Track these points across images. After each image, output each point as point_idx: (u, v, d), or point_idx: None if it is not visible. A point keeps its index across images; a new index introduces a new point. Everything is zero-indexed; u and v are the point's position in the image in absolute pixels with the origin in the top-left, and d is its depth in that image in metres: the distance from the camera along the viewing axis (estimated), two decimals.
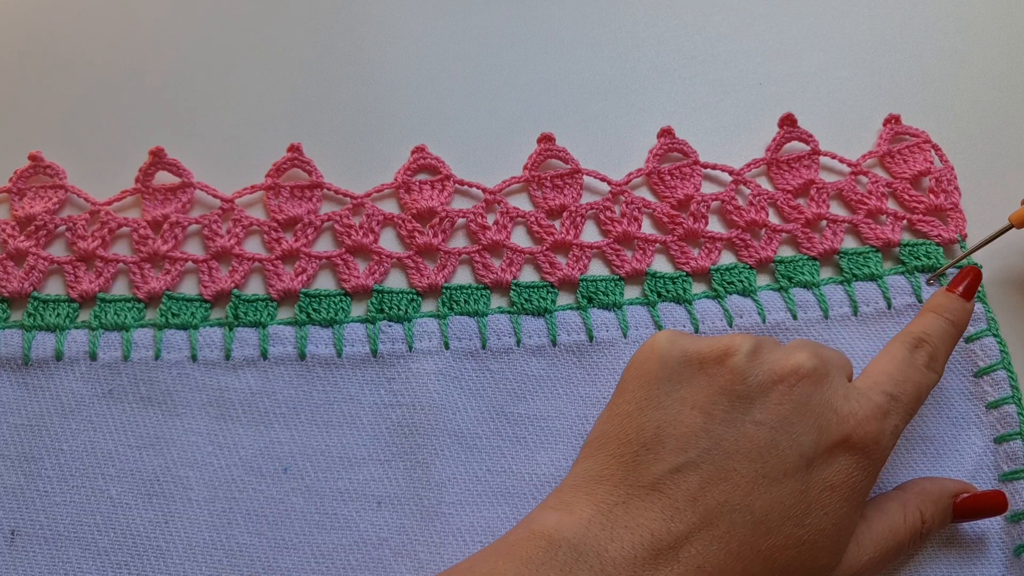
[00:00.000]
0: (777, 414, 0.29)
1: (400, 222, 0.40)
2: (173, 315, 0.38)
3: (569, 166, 0.42)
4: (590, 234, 0.41)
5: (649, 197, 0.41)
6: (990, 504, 0.33)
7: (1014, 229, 0.37)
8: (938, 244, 0.40)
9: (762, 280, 0.40)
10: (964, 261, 0.39)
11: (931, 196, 0.41)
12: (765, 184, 0.42)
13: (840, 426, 0.29)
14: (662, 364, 0.31)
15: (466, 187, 0.41)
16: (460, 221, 0.41)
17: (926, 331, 0.33)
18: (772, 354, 0.30)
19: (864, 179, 0.42)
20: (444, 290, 0.39)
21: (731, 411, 0.29)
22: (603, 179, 0.41)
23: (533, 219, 0.41)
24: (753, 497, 0.27)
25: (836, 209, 0.41)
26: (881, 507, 0.32)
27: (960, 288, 0.35)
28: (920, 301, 0.38)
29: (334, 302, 0.38)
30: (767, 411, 0.29)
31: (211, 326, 0.38)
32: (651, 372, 0.31)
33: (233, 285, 0.39)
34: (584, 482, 0.29)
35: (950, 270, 0.39)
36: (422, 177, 0.42)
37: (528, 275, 0.40)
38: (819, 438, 0.29)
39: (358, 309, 0.39)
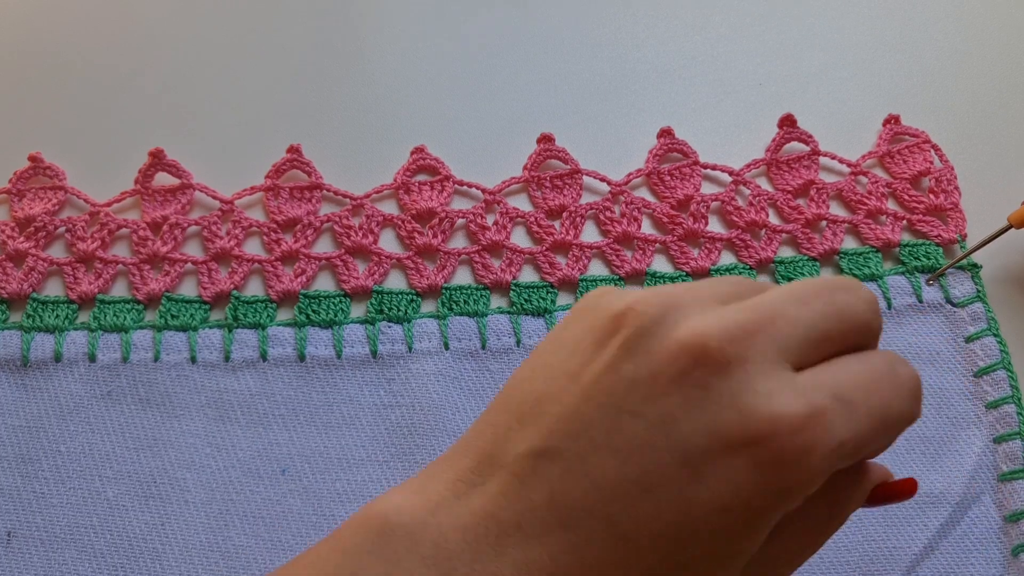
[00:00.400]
0: (661, 407, 0.22)
1: (400, 223, 0.40)
2: (172, 316, 0.38)
3: (569, 166, 0.42)
4: (590, 234, 0.41)
5: (649, 197, 0.41)
6: (904, 490, 0.27)
7: (1013, 229, 0.37)
8: (938, 244, 0.40)
9: (762, 280, 0.39)
10: (964, 261, 0.39)
11: (931, 196, 0.41)
12: (765, 184, 0.42)
13: (745, 432, 0.22)
14: (568, 325, 0.25)
15: (466, 187, 0.41)
16: (460, 221, 0.41)
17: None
18: (682, 320, 0.23)
19: (864, 179, 0.42)
20: (444, 291, 0.39)
21: (610, 394, 0.23)
22: (603, 179, 0.41)
23: (533, 219, 0.40)
24: (617, 507, 0.22)
25: (836, 209, 0.41)
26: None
27: None
28: (920, 301, 0.38)
29: (334, 303, 0.38)
30: (650, 401, 0.22)
31: (210, 328, 0.38)
32: (559, 335, 0.25)
33: (232, 286, 0.39)
34: (454, 453, 0.25)
35: (949, 270, 0.39)
36: (422, 178, 0.42)
37: (528, 275, 0.40)
38: (711, 444, 0.22)
39: (358, 310, 0.39)
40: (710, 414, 0.22)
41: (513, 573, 0.22)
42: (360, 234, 0.40)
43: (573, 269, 0.39)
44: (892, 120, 0.43)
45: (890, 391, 0.24)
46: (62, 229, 0.40)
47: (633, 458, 0.22)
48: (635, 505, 0.22)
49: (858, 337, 0.24)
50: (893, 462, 0.35)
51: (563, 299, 0.39)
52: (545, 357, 0.25)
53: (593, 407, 0.23)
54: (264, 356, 0.37)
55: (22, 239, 0.39)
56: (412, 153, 0.42)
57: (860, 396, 0.23)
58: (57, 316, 0.38)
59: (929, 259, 0.39)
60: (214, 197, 0.41)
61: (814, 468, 0.22)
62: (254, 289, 0.39)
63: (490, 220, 0.41)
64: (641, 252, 0.40)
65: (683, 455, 0.22)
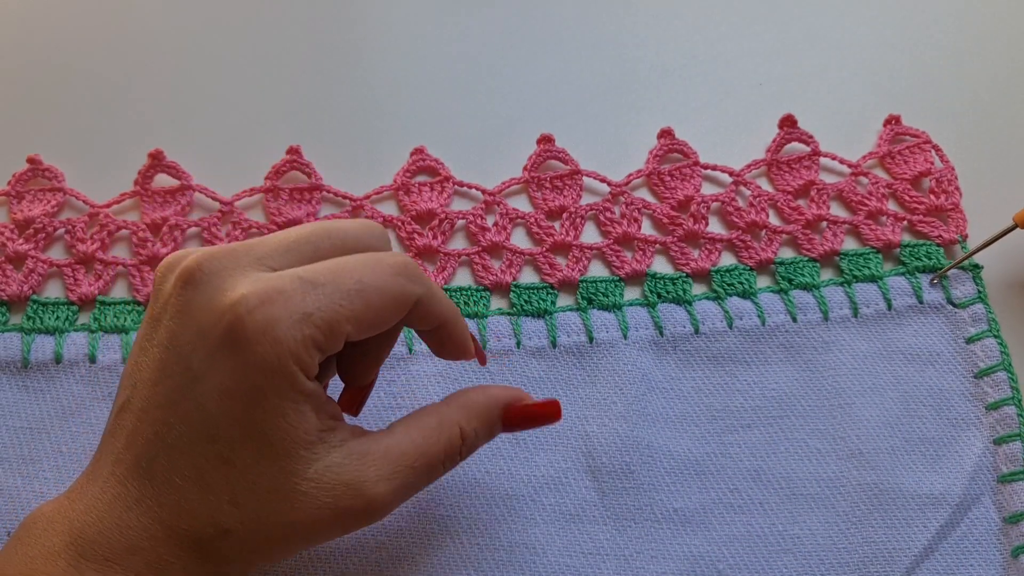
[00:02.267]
0: (168, 331, 0.26)
1: (399, 224, 0.40)
2: None
3: (569, 167, 0.42)
4: (590, 235, 0.41)
5: (649, 198, 0.41)
6: (545, 413, 0.31)
7: (1019, 229, 0.37)
8: (939, 245, 0.40)
9: (762, 282, 0.39)
10: (967, 262, 0.39)
11: (931, 197, 0.41)
12: (765, 185, 0.42)
13: (219, 324, 0.25)
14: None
15: (465, 188, 0.41)
16: (459, 223, 0.41)
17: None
18: (182, 261, 0.27)
19: (864, 180, 0.41)
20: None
21: (147, 339, 0.27)
22: (603, 180, 0.41)
23: (533, 220, 0.40)
24: (160, 425, 0.26)
25: (836, 210, 0.41)
26: (416, 422, 0.29)
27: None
28: (921, 302, 0.38)
29: None
30: (162, 330, 0.26)
31: None
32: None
33: None
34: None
35: (952, 271, 0.39)
36: (421, 179, 0.42)
37: (528, 276, 0.40)
38: (200, 343, 0.26)
39: None
40: (195, 320, 0.26)
41: (106, 507, 0.26)
42: None
43: (573, 270, 0.39)
44: (893, 120, 0.43)
45: (364, 269, 0.27)
46: (61, 231, 0.40)
47: (157, 379, 0.26)
48: (168, 417, 0.26)
49: (348, 248, 0.28)
50: (892, 462, 0.35)
51: (563, 300, 0.39)
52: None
53: (139, 354, 0.27)
54: None
55: (21, 241, 0.39)
56: (412, 154, 0.42)
57: (328, 277, 0.26)
58: (57, 318, 0.38)
59: (930, 260, 0.39)
60: (214, 198, 0.41)
61: (284, 337, 0.25)
62: None
63: (490, 221, 0.41)
64: (641, 253, 0.40)
65: (184, 361, 0.26)
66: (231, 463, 0.26)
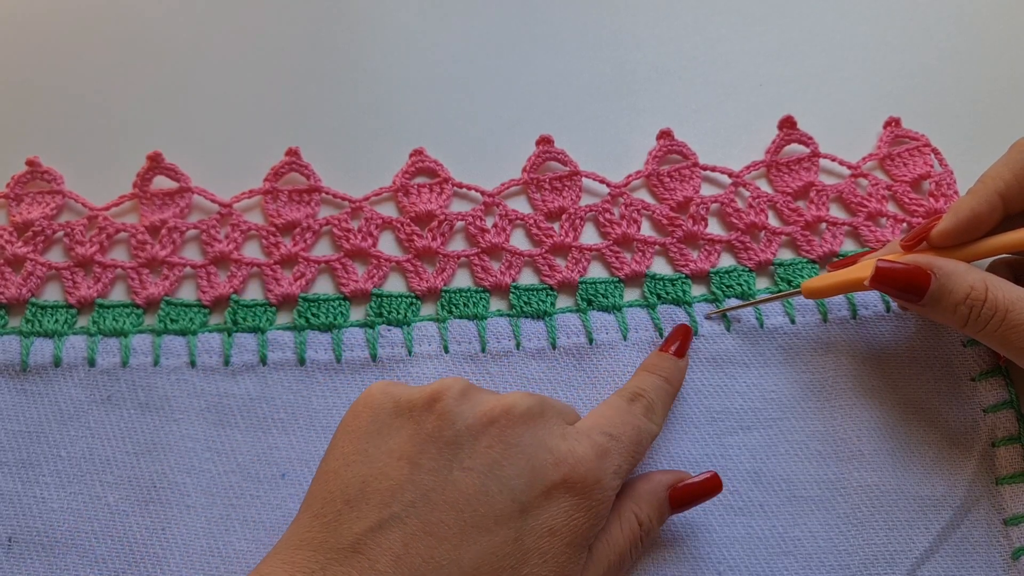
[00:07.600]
0: (487, 458, 0.27)
1: (399, 225, 0.40)
2: (172, 321, 0.38)
3: (568, 168, 0.42)
4: (589, 236, 0.41)
5: (648, 199, 0.41)
6: (705, 489, 0.33)
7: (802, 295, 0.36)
8: None
9: (761, 283, 0.39)
10: (752, 308, 0.38)
11: (931, 199, 0.41)
12: (765, 186, 0.42)
13: (557, 467, 0.28)
14: (373, 417, 0.29)
15: (465, 190, 0.41)
16: (459, 224, 0.41)
17: (641, 386, 0.34)
18: (484, 396, 0.29)
19: (864, 182, 0.41)
20: (443, 293, 0.39)
21: (439, 459, 0.27)
22: (602, 181, 0.41)
23: (532, 221, 0.40)
24: (462, 550, 0.26)
25: (836, 212, 0.41)
26: None
27: (672, 348, 0.36)
28: None
29: (333, 306, 0.38)
30: (476, 456, 0.27)
31: (210, 332, 0.37)
32: (361, 426, 0.29)
33: (231, 290, 0.38)
34: (284, 549, 0.27)
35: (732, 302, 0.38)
36: (421, 180, 0.42)
37: (527, 278, 0.40)
38: (533, 480, 0.27)
39: (357, 313, 0.39)
40: (528, 457, 0.28)
41: None
42: (359, 237, 0.40)
43: (573, 271, 0.39)
44: (892, 123, 0.43)
45: (634, 419, 0.32)
46: (60, 233, 0.40)
47: (472, 505, 0.27)
48: (477, 543, 0.26)
49: None
50: (895, 466, 0.35)
51: (563, 301, 0.39)
52: (351, 447, 0.28)
53: (425, 473, 0.27)
54: (264, 360, 0.37)
55: (20, 244, 0.39)
56: (411, 155, 0.42)
57: (619, 430, 0.31)
58: (56, 320, 0.38)
59: None
60: (212, 200, 0.41)
61: (607, 487, 0.29)
62: (253, 293, 0.39)
63: (489, 222, 0.41)
64: (641, 254, 0.40)
65: (512, 493, 0.27)
66: None
